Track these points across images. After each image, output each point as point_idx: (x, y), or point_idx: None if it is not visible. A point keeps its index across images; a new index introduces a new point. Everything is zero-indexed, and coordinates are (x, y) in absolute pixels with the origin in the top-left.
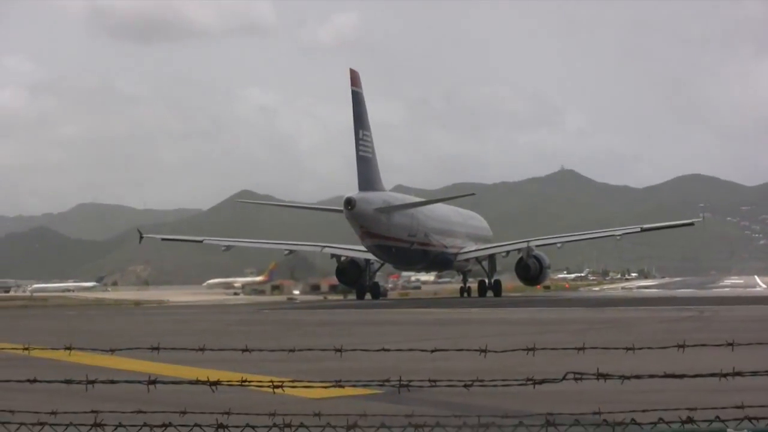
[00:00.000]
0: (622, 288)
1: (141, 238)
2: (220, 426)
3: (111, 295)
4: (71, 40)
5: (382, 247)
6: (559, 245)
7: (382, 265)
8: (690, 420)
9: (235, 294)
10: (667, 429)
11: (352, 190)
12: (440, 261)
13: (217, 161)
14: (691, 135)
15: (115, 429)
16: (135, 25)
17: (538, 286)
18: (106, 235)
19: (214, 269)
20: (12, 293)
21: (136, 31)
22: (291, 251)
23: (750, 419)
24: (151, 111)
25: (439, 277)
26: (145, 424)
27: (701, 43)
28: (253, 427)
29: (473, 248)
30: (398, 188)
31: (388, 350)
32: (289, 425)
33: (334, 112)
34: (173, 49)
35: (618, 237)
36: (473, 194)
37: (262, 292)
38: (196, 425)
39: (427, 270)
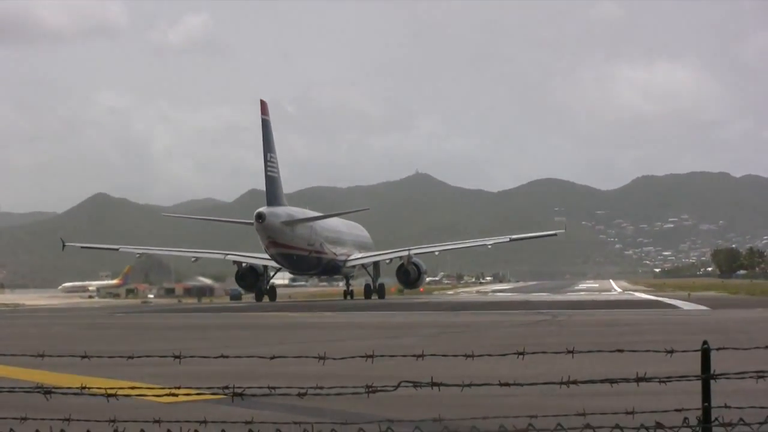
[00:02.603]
0: (477, 292)
1: (63, 246)
2: None
3: None
4: None
5: (285, 255)
6: (436, 253)
7: (277, 270)
8: (531, 427)
9: (90, 297)
10: None
11: (204, 193)
12: (331, 267)
13: (70, 164)
14: (546, 139)
15: None
16: None
17: (421, 289)
18: None
19: (69, 272)
20: None
21: None
22: (197, 258)
23: (591, 428)
24: (1, 113)
25: (293, 280)
26: None
27: (554, 47)
28: None
29: (359, 255)
30: (252, 192)
31: (227, 357)
32: None
33: (186, 115)
34: (24, 51)
35: (489, 246)
36: (367, 209)
37: (116, 296)
38: None
39: (319, 275)
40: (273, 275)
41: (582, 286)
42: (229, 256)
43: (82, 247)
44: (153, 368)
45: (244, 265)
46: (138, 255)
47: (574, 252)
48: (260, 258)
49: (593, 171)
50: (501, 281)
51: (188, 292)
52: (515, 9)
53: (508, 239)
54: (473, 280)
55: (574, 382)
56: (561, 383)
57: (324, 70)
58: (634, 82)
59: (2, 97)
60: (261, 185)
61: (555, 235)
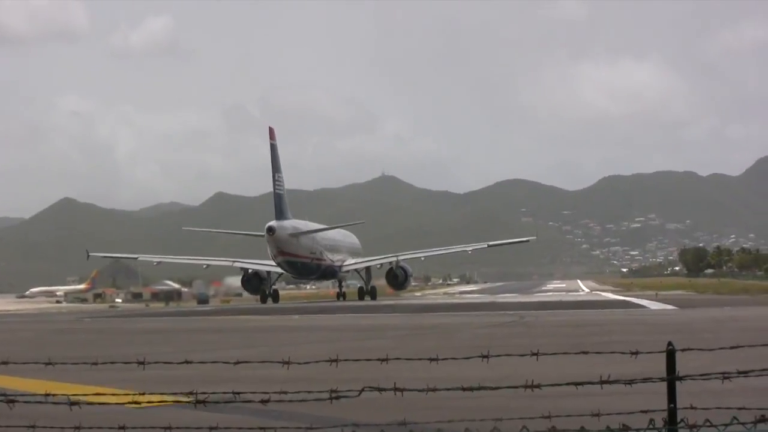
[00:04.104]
0: (444, 293)
1: (88, 256)
2: None
3: None
4: None
5: (290, 262)
6: (422, 258)
7: (280, 275)
8: (496, 430)
9: (58, 302)
10: None
11: (170, 197)
12: (329, 272)
13: (35, 169)
14: (511, 140)
15: None
16: None
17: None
18: None
19: (36, 277)
20: None
21: None
22: (208, 265)
23: (557, 430)
24: None
25: None
26: None
27: (517, 47)
28: None
29: (352, 261)
30: (219, 196)
31: (191, 362)
32: None
33: (148, 119)
34: None
35: (469, 251)
36: (363, 222)
37: (84, 300)
38: None
39: (318, 279)
40: (276, 280)
41: (549, 286)
42: (236, 263)
43: (103, 257)
44: (118, 373)
45: (249, 270)
46: (156, 263)
47: (541, 252)
48: (264, 264)
49: (559, 171)
50: (468, 282)
51: (156, 296)
52: (477, 10)
53: (486, 245)
54: (440, 281)
55: (538, 386)
56: (525, 386)
57: (287, 73)
58: (598, 82)
59: None
60: (227, 188)
61: (528, 241)
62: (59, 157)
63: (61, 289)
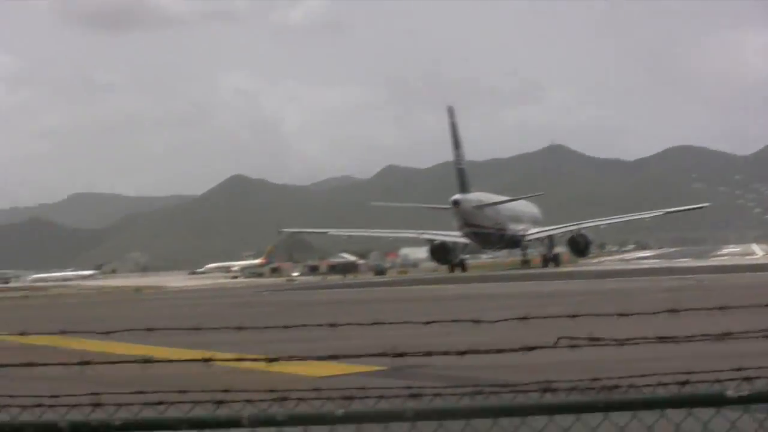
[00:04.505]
0: (621, 260)
1: (279, 232)
2: (219, 402)
3: (110, 282)
4: (44, 31)
5: (476, 233)
6: (602, 226)
7: (466, 245)
8: (687, 382)
9: (234, 278)
10: (666, 392)
11: (341, 171)
12: (513, 242)
13: (203, 146)
14: (678, 106)
15: (117, 410)
16: (106, 14)
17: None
18: (102, 223)
19: (211, 253)
20: (12, 284)
21: (107, 20)
22: (396, 238)
23: (747, 379)
24: (131, 99)
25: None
26: (145, 404)
27: (681, 14)
28: (252, 402)
29: (535, 231)
30: (389, 168)
31: (382, 323)
32: (287, 398)
33: (313, 94)
34: (145, 37)
35: (647, 219)
36: (543, 194)
37: (260, 275)
38: (194, 402)
39: (502, 249)
40: (463, 249)
41: (724, 251)
42: (423, 235)
43: (292, 232)
44: (305, 345)
45: (436, 241)
46: (347, 236)
47: (713, 218)
48: (450, 235)
49: (727, 136)
50: (644, 248)
51: (333, 269)
52: None
53: (662, 213)
54: (616, 248)
55: (730, 334)
56: (718, 336)
57: (451, 45)
58: (763, 46)
59: (131, 84)
60: (397, 161)
61: (702, 207)
62: (227, 135)
63: (236, 265)
